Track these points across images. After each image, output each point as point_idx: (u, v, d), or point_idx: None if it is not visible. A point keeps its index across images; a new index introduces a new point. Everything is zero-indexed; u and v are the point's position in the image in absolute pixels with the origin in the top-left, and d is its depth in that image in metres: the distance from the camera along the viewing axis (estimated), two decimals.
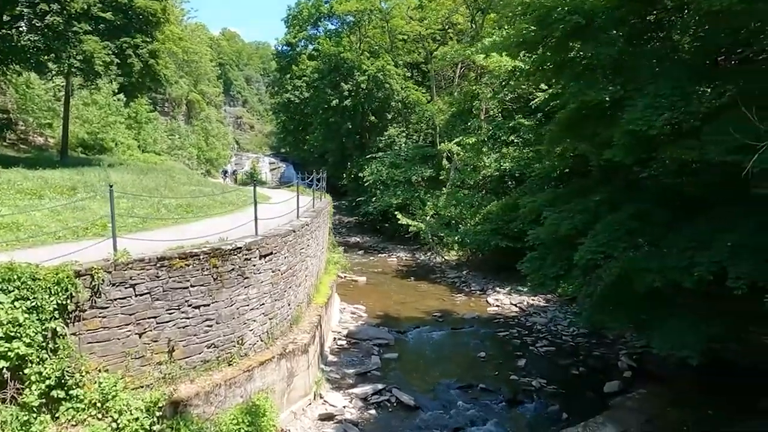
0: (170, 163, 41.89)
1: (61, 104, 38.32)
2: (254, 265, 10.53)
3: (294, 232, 12.50)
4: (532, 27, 10.84)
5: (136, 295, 8.42)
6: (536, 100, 20.98)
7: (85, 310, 7.83)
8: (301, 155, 62.92)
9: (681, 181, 11.24)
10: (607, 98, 10.39)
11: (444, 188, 32.33)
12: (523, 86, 26.07)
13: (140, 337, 8.53)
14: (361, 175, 37.02)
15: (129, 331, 8.37)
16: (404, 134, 39.03)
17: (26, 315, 6.99)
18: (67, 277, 7.46)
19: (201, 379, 9.25)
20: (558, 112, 14.24)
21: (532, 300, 20.65)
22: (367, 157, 36.29)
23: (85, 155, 35.91)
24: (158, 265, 8.68)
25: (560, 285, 12.53)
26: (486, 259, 26.59)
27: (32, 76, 35.54)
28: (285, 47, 45.32)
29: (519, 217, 23.09)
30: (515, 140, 22.96)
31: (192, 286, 9.20)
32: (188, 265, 9.10)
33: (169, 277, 8.85)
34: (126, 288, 8.30)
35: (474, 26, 33.85)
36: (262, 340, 10.90)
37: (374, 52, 38.13)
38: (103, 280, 7.95)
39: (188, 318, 9.19)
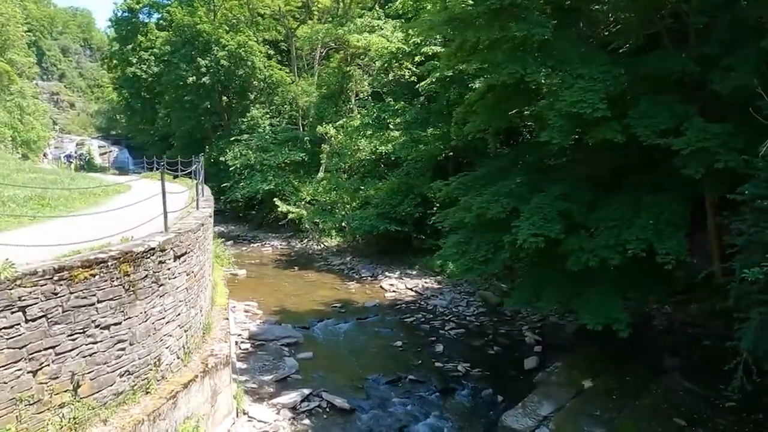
0: None
1: None
2: (169, 269, 8.65)
3: (203, 225, 10.66)
4: (470, 2, 10.38)
5: (26, 321, 6.26)
6: (425, 82, 20.91)
7: None
8: (140, 138, 56.46)
9: (602, 163, 11.78)
10: (543, 79, 10.40)
11: (320, 173, 31.24)
12: (405, 68, 26.04)
13: (35, 376, 6.39)
14: (222, 159, 34.17)
15: (19, 369, 6.21)
16: (268, 116, 36.81)
17: None
18: None
19: (117, 417, 7.32)
20: (468, 94, 14.19)
21: (425, 283, 20.79)
22: (232, 139, 33.52)
23: None
24: (56, 278, 6.56)
25: (487, 269, 12.40)
26: (368, 244, 26.25)
27: None
28: (125, 14, 39.60)
29: (406, 200, 23.21)
30: (400, 123, 22.80)
31: (99, 301, 7.17)
32: (94, 275, 7.06)
33: (71, 293, 6.76)
34: (13, 313, 6.12)
35: (342, 5, 32.90)
36: (179, 358, 9.08)
37: (233, 26, 35.13)
38: None
39: (96, 343, 7.16)
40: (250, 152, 32.35)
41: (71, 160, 33.67)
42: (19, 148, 42.60)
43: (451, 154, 23.00)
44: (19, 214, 11.15)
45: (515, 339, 15.17)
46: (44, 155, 48.16)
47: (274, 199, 28.20)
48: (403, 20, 26.06)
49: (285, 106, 37.51)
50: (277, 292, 19.91)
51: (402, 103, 23.58)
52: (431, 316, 17.23)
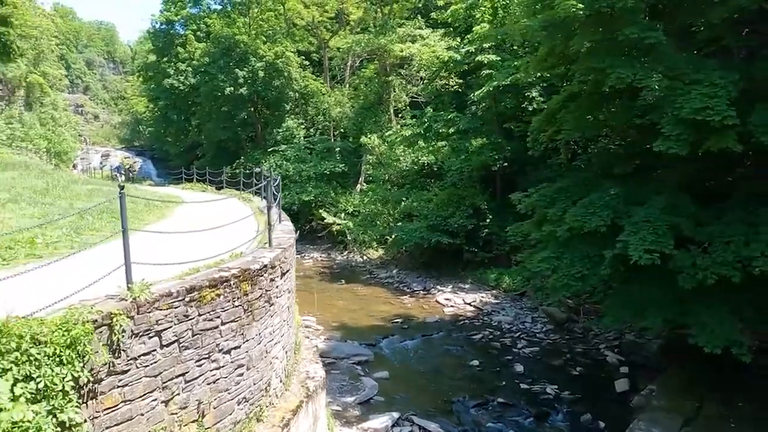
0: (19, 157, 34.43)
1: None
2: (277, 287, 8.14)
3: (294, 240, 10.18)
4: (580, 5, 9.82)
5: (162, 347, 5.75)
6: (481, 91, 20.39)
7: (101, 380, 5.05)
8: (164, 148, 56.50)
9: (706, 172, 11.11)
10: (656, 85, 9.78)
11: (359, 184, 30.82)
12: (451, 78, 25.60)
13: (167, 406, 5.87)
14: (258, 170, 33.82)
15: (154, 400, 5.68)
16: (302, 127, 36.53)
17: (32, 407, 4.15)
18: (84, 334, 4.68)
19: None
20: (550, 101, 13.61)
21: (482, 298, 20.11)
22: (269, 150, 33.23)
23: None
24: (187, 299, 6.05)
25: (583, 285, 11.70)
26: (414, 257, 25.63)
27: None
28: (163, 26, 39.67)
29: (458, 212, 22.61)
30: (453, 132, 22.31)
31: (223, 323, 6.65)
32: (219, 296, 6.55)
33: (199, 315, 6.25)
34: (150, 338, 5.60)
35: (381, 15, 32.59)
36: (281, 381, 8.52)
37: (269, 37, 34.99)
38: (123, 331, 5.22)
39: (219, 368, 6.63)
40: (288, 163, 32.00)
41: (121, 172, 33.51)
42: (53, 159, 42.81)
43: (506, 164, 22.40)
44: (100, 228, 10.76)
45: (595, 358, 14.46)
46: (74, 166, 48.35)
47: (320, 210, 27.77)
48: (451, 29, 25.66)
49: (319, 117, 37.25)
50: (331, 307, 19.34)
51: (454, 112, 23.12)
52: (498, 333, 16.55)
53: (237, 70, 32.75)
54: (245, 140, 37.61)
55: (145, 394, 5.54)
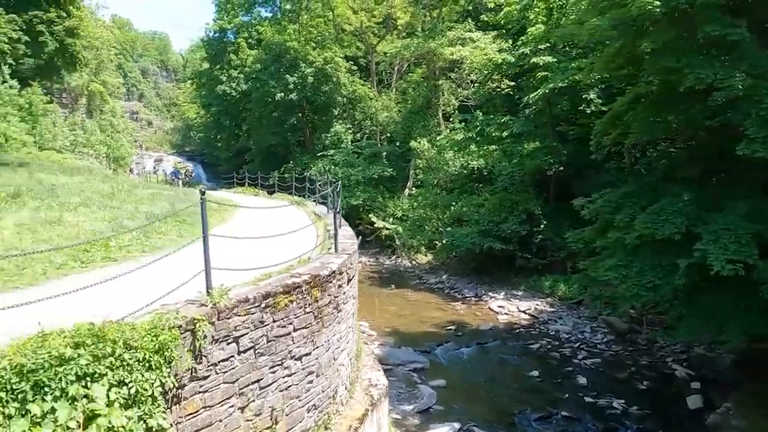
0: (81, 162, 36.02)
1: None
2: (344, 293, 8.07)
3: (357, 246, 10.10)
4: (656, 2, 9.37)
5: (239, 353, 5.74)
6: (536, 93, 19.89)
7: (184, 386, 5.06)
8: (214, 153, 57.96)
9: None
10: (740, 85, 9.20)
11: (407, 188, 30.70)
12: (503, 81, 25.18)
13: (242, 412, 5.85)
14: (307, 174, 34.21)
15: (232, 406, 5.68)
16: (350, 131, 36.73)
17: (126, 412, 4.16)
18: (171, 340, 4.70)
19: None
20: (614, 102, 13.08)
21: (537, 305, 19.56)
22: (318, 154, 33.55)
23: None
24: (263, 305, 6.04)
25: (655, 295, 11.15)
26: (464, 262, 25.24)
27: None
28: (216, 34, 40.82)
29: (510, 217, 22.12)
30: (507, 136, 21.89)
31: (295, 330, 6.62)
32: (292, 302, 6.51)
33: (274, 322, 6.23)
34: (229, 344, 5.60)
35: (430, 19, 32.42)
36: (346, 389, 8.44)
37: (318, 42, 35.40)
38: (205, 337, 5.22)
39: (290, 375, 6.60)
40: (336, 167, 32.19)
41: (178, 176, 34.60)
42: (112, 164, 44.59)
43: (561, 168, 21.79)
44: (166, 232, 10.99)
45: (662, 372, 13.76)
46: (131, 170, 50.26)
47: (369, 215, 27.76)
48: (503, 31, 25.23)
49: (366, 122, 37.36)
50: (383, 312, 19.23)
51: (507, 116, 22.69)
52: (557, 343, 16.01)
53: (287, 76, 33.25)
54: (294, 145, 38.11)
55: (223, 401, 5.55)
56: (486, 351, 15.49)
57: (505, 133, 21.69)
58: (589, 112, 20.08)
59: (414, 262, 27.59)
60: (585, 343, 15.91)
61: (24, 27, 22.49)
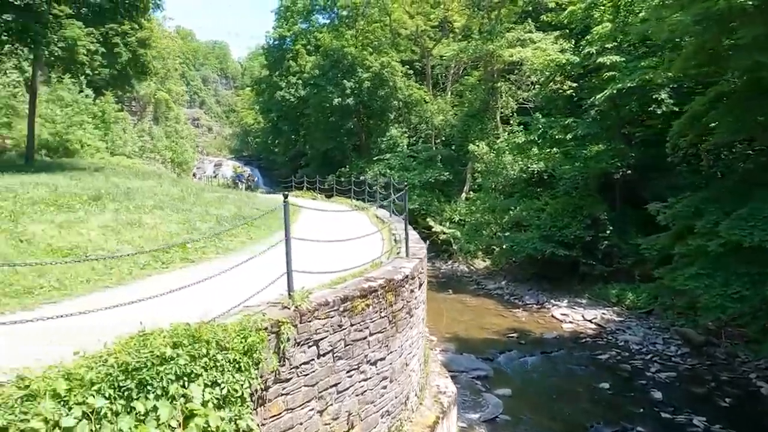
0: (149, 167, 37.77)
1: (18, 101, 33.69)
2: (416, 298, 7.98)
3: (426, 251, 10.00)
4: None
5: (319, 356, 5.75)
6: (602, 94, 19.19)
7: (268, 388, 5.10)
8: (270, 158, 59.37)
9: None
10: None
11: (464, 193, 30.35)
12: (565, 82, 24.49)
13: (321, 416, 5.85)
14: (362, 178, 34.44)
15: (311, 409, 5.69)
16: (406, 135, 36.72)
17: (218, 413, 4.21)
18: (259, 341, 4.75)
19: None
20: (693, 102, 12.39)
21: (604, 315, 18.78)
22: (374, 159, 33.72)
23: (50, 158, 31.38)
24: (341, 309, 6.03)
25: (742, 306, 10.45)
26: (523, 268, 24.62)
27: None
28: (276, 42, 41.95)
29: (574, 222, 21.41)
30: (570, 139, 21.22)
31: (371, 334, 6.59)
32: (368, 306, 6.48)
33: (351, 326, 6.21)
34: (310, 347, 5.62)
35: (488, 21, 31.98)
36: (416, 395, 8.33)
37: (375, 47, 35.64)
38: (288, 339, 5.24)
39: (366, 380, 6.56)
40: (392, 171, 32.22)
41: (242, 180, 35.71)
42: (176, 168, 46.54)
43: (629, 172, 20.91)
44: (236, 235, 11.26)
45: (746, 389, 12.87)
46: (194, 174, 52.35)
47: (426, 219, 27.62)
48: (567, 30, 24.54)
49: (422, 125, 37.27)
50: (441, 317, 19.01)
51: (571, 117, 22.01)
52: (627, 354, 15.31)
53: (344, 81, 33.64)
54: (349, 149, 38.47)
55: (303, 404, 5.56)
56: (552, 360, 14.99)
57: (568, 136, 21.01)
58: (659, 112, 19.17)
59: (471, 267, 27.20)
60: (657, 355, 15.12)
61: (101, 39, 23.72)
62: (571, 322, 18.40)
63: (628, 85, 18.90)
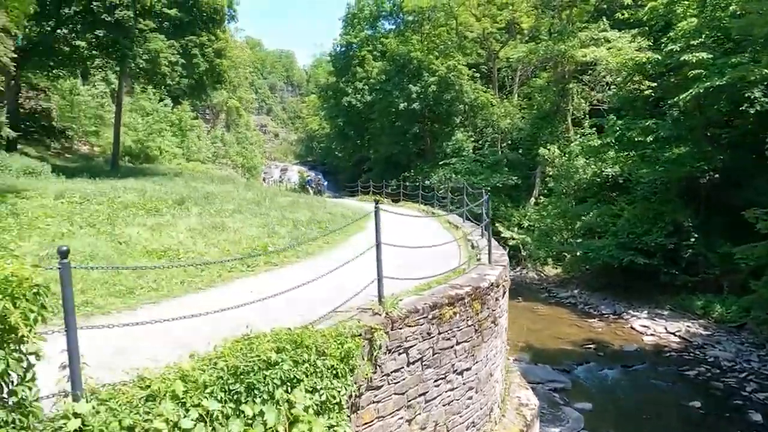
0: (222, 172, 39.38)
1: (105, 111, 36.00)
2: (500, 306, 7.75)
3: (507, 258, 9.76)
4: None
5: (408, 364, 5.66)
6: (687, 94, 18.11)
7: (361, 395, 5.06)
8: (334, 163, 60.32)
9: None
10: None
11: (532, 197, 29.57)
12: (642, 82, 23.35)
13: (409, 425, 5.75)
14: (427, 182, 34.25)
15: (401, 418, 5.61)
16: (471, 139, 36.24)
17: (318, 419, 4.20)
18: (355, 348, 4.72)
19: None
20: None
21: (689, 327, 17.65)
22: (440, 163, 33.48)
23: (132, 164, 33.30)
24: (430, 316, 5.92)
25: None
26: (597, 276, 23.59)
27: (77, 82, 33.29)
28: (343, 48, 42.72)
29: (654, 229, 20.31)
30: (651, 141, 20.13)
31: (458, 343, 6.43)
32: (455, 314, 6.33)
33: (439, 334, 6.09)
34: (400, 354, 5.54)
35: (559, 21, 31.07)
36: (498, 407, 8.08)
37: (441, 51, 35.46)
38: (380, 347, 5.19)
39: (453, 390, 6.41)
40: (458, 176, 31.84)
41: (312, 185, 36.62)
42: (246, 174, 48.27)
43: (716, 176, 19.62)
44: (313, 240, 11.40)
45: None
46: (263, 179, 54.19)
47: (496, 225, 27.08)
48: (646, 28, 23.40)
49: (487, 129, 36.66)
50: (512, 325, 18.41)
51: (653, 119, 20.89)
52: (717, 371, 14.28)
53: (410, 85, 33.65)
54: (414, 154, 38.42)
55: (393, 412, 5.48)
56: (634, 375, 14.23)
57: (649, 138, 19.92)
58: (752, 112, 17.84)
59: (541, 274, 26.41)
60: (754, 373, 14.00)
61: (180, 51, 24.92)
62: (652, 334, 17.43)
63: (717, 83, 17.72)
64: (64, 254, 2.99)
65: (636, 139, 20.65)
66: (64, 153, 32.36)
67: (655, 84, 23.79)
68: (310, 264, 8.98)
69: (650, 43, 22.64)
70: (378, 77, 37.02)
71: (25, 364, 2.37)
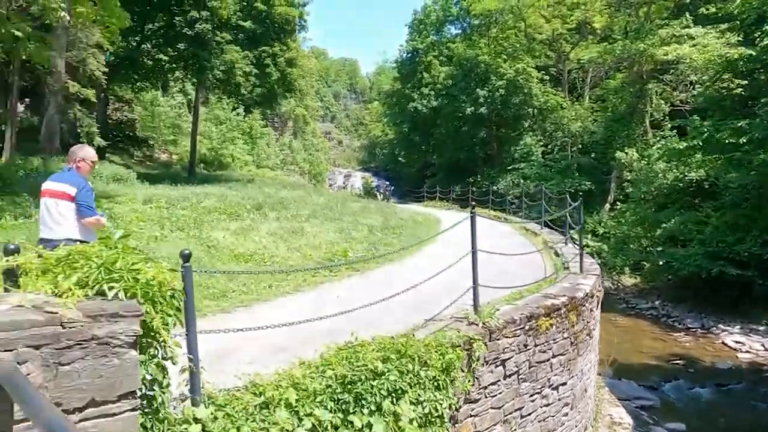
0: (290, 178, 40.40)
1: (182, 121, 37.82)
2: (594, 318, 7.34)
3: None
4: None
5: (504, 377, 5.40)
6: None
7: (460, 408, 4.86)
8: (397, 168, 60.38)
9: None
10: None
11: (607, 203, 28.29)
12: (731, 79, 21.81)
13: None
14: (495, 188, 33.53)
15: None
16: (540, 143, 35.21)
17: None
18: (456, 359, 4.54)
19: None
20: None
21: None
22: (509, 168, 32.73)
23: (207, 171, 34.69)
24: (526, 327, 5.63)
25: None
26: (679, 287, 22.14)
27: (157, 94, 35.17)
28: (408, 54, 42.87)
29: (748, 237, 18.84)
30: (742, 143, 18.73)
31: (553, 356, 6.10)
32: (552, 326, 6.00)
33: (535, 346, 5.78)
34: (497, 367, 5.30)
35: (636, 19, 29.65)
36: (591, 426, 7.64)
37: (509, 54, 34.74)
38: (478, 358, 4.97)
39: (547, 405, 6.08)
40: (527, 181, 31.00)
41: (380, 191, 36.94)
42: (312, 180, 49.30)
43: None
44: (390, 243, 11.31)
45: None
46: (330, 185, 55.15)
47: (570, 231, 26.12)
48: (737, 22, 21.85)
49: (557, 133, 35.50)
50: None
51: (746, 120, 19.43)
52: None
53: (477, 90, 33.16)
54: (480, 158, 37.80)
55: (490, 427, 5.25)
56: (730, 395, 13.15)
57: (742, 140, 18.51)
58: None
59: (618, 284, 25.12)
60: None
61: (254, 61, 25.79)
62: (748, 351, 16.09)
63: None
64: (186, 258, 3.00)
65: (726, 141, 19.26)
66: (145, 161, 34.24)
67: (746, 82, 22.16)
68: (389, 269, 8.92)
69: (739, 39, 21.08)
70: (444, 82, 36.74)
71: (162, 370, 2.37)
